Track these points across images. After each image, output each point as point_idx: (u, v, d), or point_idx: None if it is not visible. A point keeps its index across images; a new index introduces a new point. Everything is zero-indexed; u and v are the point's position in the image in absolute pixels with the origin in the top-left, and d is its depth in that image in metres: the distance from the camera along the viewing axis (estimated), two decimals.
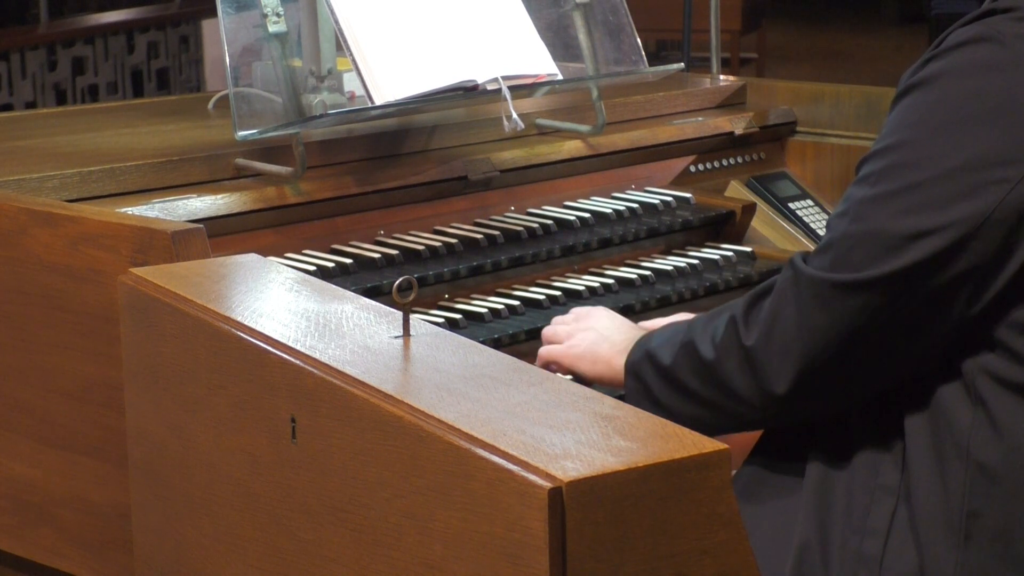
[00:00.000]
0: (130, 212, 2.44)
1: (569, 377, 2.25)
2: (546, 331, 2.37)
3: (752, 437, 2.10)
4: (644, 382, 2.07)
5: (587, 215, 2.97)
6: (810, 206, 3.32)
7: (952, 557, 1.86)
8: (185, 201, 2.57)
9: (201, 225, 2.20)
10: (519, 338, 2.59)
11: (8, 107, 7.38)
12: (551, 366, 2.32)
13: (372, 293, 2.52)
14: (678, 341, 2.04)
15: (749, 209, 3.16)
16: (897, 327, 1.87)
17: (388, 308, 1.86)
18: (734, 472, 2.06)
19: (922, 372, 1.90)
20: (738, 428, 2.04)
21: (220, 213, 2.59)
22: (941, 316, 1.85)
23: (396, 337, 1.76)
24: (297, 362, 1.71)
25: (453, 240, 2.77)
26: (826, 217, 3.18)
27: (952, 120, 1.84)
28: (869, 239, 1.86)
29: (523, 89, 2.85)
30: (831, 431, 1.97)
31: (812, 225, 3.27)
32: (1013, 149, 1.81)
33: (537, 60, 2.87)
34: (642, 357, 2.09)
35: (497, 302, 2.69)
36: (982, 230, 1.81)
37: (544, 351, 2.35)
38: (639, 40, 3.10)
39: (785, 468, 2.02)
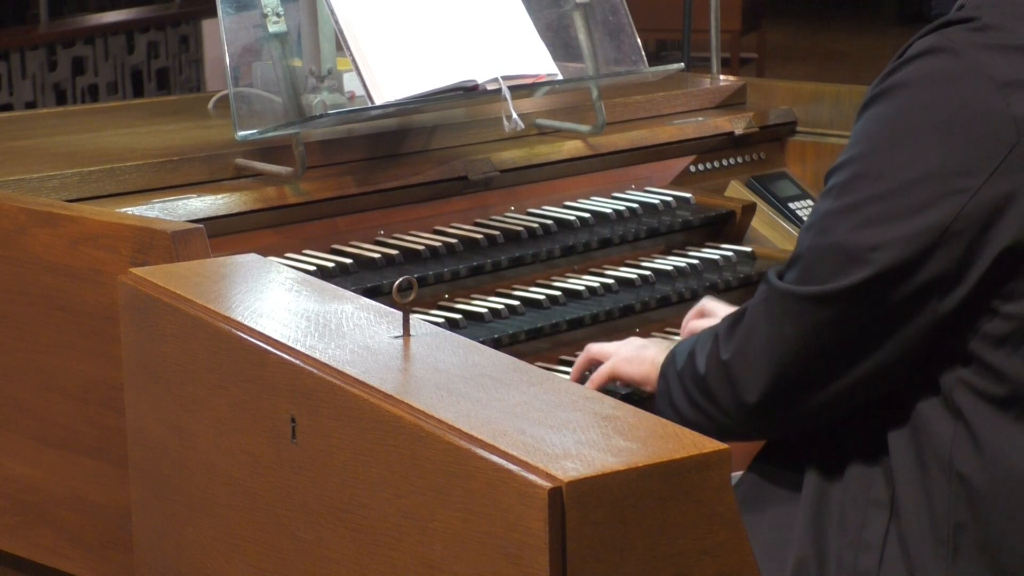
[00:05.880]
0: (130, 212, 2.44)
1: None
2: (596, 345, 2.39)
3: (752, 446, 2.11)
4: (668, 384, 2.09)
5: (587, 215, 2.97)
6: (810, 206, 3.31)
7: (942, 570, 1.87)
8: (185, 201, 2.57)
9: (201, 225, 2.20)
10: (519, 338, 2.59)
11: (8, 107, 7.38)
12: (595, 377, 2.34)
13: (372, 293, 2.52)
14: (688, 350, 2.07)
15: (749, 209, 3.16)
16: (863, 338, 1.88)
17: (388, 308, 1.86)
18: (735, 479, 2.07)
19: (898, 386, 1.90)
20: (728, 438, 2.06)
21: (220, 213, 2.58)
22: (905, 327, 1.86)
23: (396, 337, 1.76)
24: (297, 362, 1.71)
25: (453, 240, 2.77)
26: None
27: (909, 132, 1.85)
28: (832, 252, 1.87)
29: (523, 89, 2.85)
30: (825, 446, 1.98)
31: None
32: (969, 159, 1.81)
33: (537, 60, 2.87)
34: (669, 360, 2.11)
35: (497, 302, 2.69)
36: (942, 241, 1.82)
37: (596, 346, 2.36)
38: (639, 40, 3.10)
39: (785, 477, 2.03)
